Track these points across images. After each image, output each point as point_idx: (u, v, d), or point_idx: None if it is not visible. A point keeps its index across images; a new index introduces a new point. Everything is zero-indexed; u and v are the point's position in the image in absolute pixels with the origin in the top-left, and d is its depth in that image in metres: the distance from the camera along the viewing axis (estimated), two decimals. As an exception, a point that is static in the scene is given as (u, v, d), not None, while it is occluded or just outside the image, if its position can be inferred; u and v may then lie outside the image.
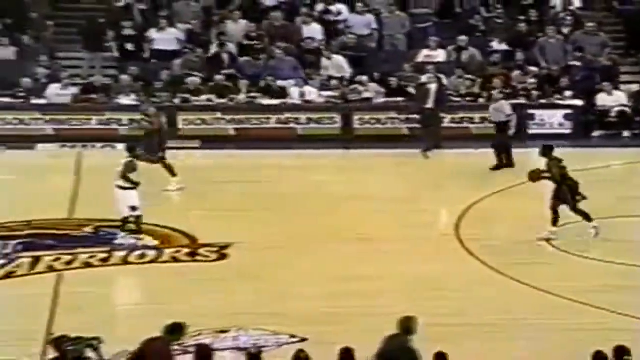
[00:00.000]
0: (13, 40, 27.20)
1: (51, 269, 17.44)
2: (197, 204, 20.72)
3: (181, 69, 27.10)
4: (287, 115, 26.28)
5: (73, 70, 27.47)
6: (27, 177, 21.94)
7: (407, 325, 11.97)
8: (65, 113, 25.87)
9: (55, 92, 26.25)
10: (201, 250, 18.27)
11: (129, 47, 27.56)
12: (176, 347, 13.79)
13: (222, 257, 18.07)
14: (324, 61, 27.21)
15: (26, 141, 25.10)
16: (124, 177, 18.39)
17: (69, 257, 17.82)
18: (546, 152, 18.75)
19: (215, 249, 18.27)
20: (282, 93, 26.71)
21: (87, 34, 27.85)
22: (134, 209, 18.38)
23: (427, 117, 24.99)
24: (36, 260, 17.69)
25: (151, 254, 18.16)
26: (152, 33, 27.61)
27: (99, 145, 25.08)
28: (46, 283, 16.83)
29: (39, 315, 15.28)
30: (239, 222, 19.51)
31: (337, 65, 27.17)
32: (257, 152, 24.71)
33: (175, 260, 18.01)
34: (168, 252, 18.24)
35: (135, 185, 18.42)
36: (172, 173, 21.54)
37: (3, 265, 17.51)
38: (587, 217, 18.45)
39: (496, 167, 23.24)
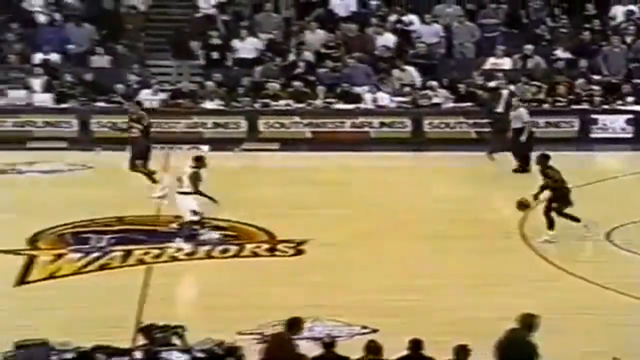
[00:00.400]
0: (108, 49, 27.60)
1: (141, 261, 17.66)
2: (276, 202, 20.86)
3: (261, 75, 27.32)
4: (361, 119, 26.40)
5: (162, 77, 27.82)
6: (120, 175, 22.21)
7: (530, 322, 11.84)
8: (155, 116, 26.12)
9: (146, 97, 26.58)
10: (279, 246, 18.41)
11: (214, 55, 27.84)
12: (256, 337, 14.06)
13: (299, 252, 18.19)
14: (396, 72, 27.27)
15: (119, 143, 25.41)
16: (193, 184, 18.20)
17: (157, 251, 18.03)
18: (542, 160, 18.72)
19: (293, 245, 18.40)
20: (356, 98, 26.83)
21: (175, 43, 28.18)
22: (194, 213, 18.37)
23: (496, 121, 24.98)
24: (127, 253, 17.92)
25: (233, 249, 18.33)
26: (235, 42, 27.87)
27: (185, 146, 25.36)
28: (136, 275, 17.05)
29: (130, 304, 15.50)
30: (315, 220, 19.61)
31: (408, 76, 27.25)
32: (332, 153, 24.85)
33: (255, 255, 18.17)
34: (249, 247, 18.41)
35: (199, 192, 18.19)
36: (154, 180, 21.08)
37: (98, 258, 17.76)
38: (574, 219, 18.36)
39: (516, 170, 23.25)
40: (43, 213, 19.65)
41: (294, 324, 12.17)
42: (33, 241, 18.34)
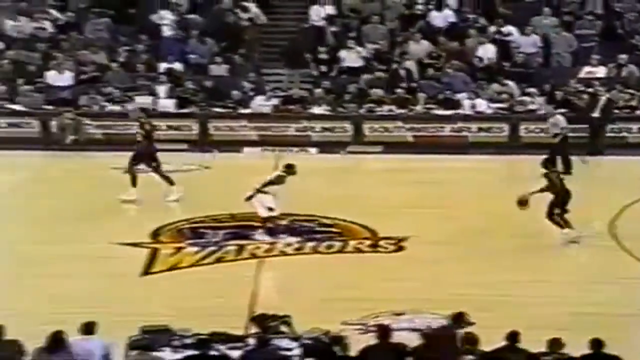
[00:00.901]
0: (226, 59, 27.93)
1: (253, 255, 17.86)
2: (378, 201, 20.89)
3: (367, 83, 27.38)
4: (460, 124, 26.28)
5: (275, 84, 28.04)
6: (234, 175, 22.45)
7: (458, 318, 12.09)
8: (267, 121, 26.45)
9: (259, 103, 26.86)
10: (381, 243, 18.44)
11: (323, 64, 27.98)
12: (359, 327, 14.12)
13: (400, 249, 18.20)
14: (496, 86, 27.08)
15: (234, 145, 25.76)
16: (270, 184, 18.32)
17: (267, 246, 18.23)
18: (547, 164, 18.66)
19: (394, 242, 18.40)
20: (455, 104, 26.72)
21: (287, 53, 28.40)
22: (270, 209, 18.42)
23: (593, 126, 24.68)
24: (240, 248, 18.12)
25: (337, 245, 18.42)
26: (342, 52, 27.98)
27: (294, 149, 25.54)
28: (249, 268, 17.25)
29: (243, 295, 15.69)
30: (415, 218, 19.59)
31: (508, 89, 27.04)
32: (433, 156, 24.79)
33: (358, 250, 18.22)
34: (352, 243, 18.46)
35: (261, 191, 18.30)
36: (135, 184, 20.65)
37: (214, 252, 18.01)
38: (562, 226, 18.09)
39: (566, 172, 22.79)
40: (164, 209, 19.96)
41: (458, 318, 12.26)
42: (155, 235, 18.64)
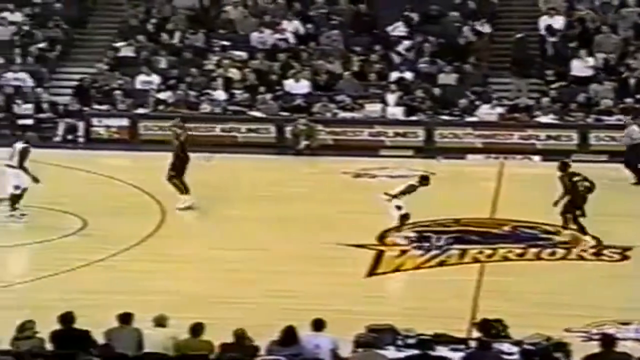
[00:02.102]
0: (456, 68, 27.84)
1: (475, 260, 17.74)
2: (604, 209, 20.21)
3: (596, 93, 26.69)
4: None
5: (501, 93, 27.74)
6: (457, 182, 22.35)
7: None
8: (493, 129, 26.18)
9: (485, 112, 26.63)
10: (605, 251, 17.95)
11: (550, 73, 27.48)
12: (582, 335, 13.76)
13: (624, 258, 17.66)
14: None
15: (458, 152, 25.63)
16: (403, 193, 18.46)
17: (490, 251, 18.05)
18: (563, 167, 18.46)
19: (619, 251, 17.88)
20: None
21: (516, 63, 28.03)
22: (398, 208, 18.36)
23: None
24: (463, 252, 18.04)
25: (560, 252, 18.05)
26: (573, 62, 27.38)
27: (518, 157, 25.17)
28: (471, 272, 17.14)
29: (465, 298, 15.59)
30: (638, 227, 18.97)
31: None
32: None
33: (581, 258, 17.81)
34: (575, 251, 18.05)
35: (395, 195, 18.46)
36: (187, 191, 20.35)
37: (437, 255, 18.00)
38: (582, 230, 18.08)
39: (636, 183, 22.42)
40: (387, 212, 20.02)
41: None
42: (381, 238, 18.77)
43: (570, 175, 18.49)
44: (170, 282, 16.47)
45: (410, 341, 12.69)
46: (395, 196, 18.55)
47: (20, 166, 19.40)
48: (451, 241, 18.54)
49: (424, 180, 18.81)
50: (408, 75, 27.82)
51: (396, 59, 28.35)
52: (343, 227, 19.00)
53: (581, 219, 18.23)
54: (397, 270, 17.41)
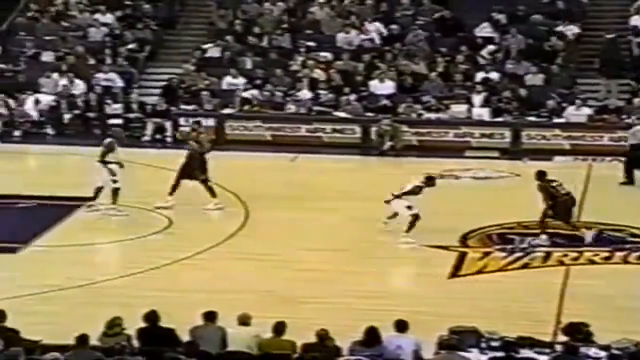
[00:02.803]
0: (543, 69, 27.56)
1: (560, 263, 17.53)
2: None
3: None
4: None
5: (589, 94, 27.36)
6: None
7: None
8: (581, 130, 25.85)
9: (572, 113, 26.30)
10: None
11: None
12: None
13: None
14: None
15: (545, 153, 25.34)
16: (408, 194, 18.41)
17: (575, 254, 17.82)
18: (539, 176, 18.56)
19: None
20: None
21: (605, 63, 27.63)
22: (409, 207, 18.30)
23: None
24: (547, 255, 17.85)
25: (648, 255, 17.78)
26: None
27: (607, 158, 24.80)
28: (556, 275, 16.94)
29: (549, 301, 15.42)
30: None
31: None
32: None
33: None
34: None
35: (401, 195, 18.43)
36: (214, 194, 20.22)
37: (521, 257, 17.83)
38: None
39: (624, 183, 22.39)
40: (474, 214, 19.92)
41: None
42: (464, 239, 18.67)
43: (548, 182, 18.59)
44: (254, 281, 16.58)
45: (494, 343, 12.60)
46: (399, 196, 18.45)
47: (102, 160, 19.73)
48: (535, 243, 18.34)
49: (429, 180, 18.76)
50: (494, 75, 27.61)
51: (482, 59, 28.16)
52: (426, 228, 18.92)
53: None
54: (480, 272, 17.29)
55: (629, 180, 22.65)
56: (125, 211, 19.83)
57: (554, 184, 18.65)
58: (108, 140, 20.27)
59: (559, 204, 18.48)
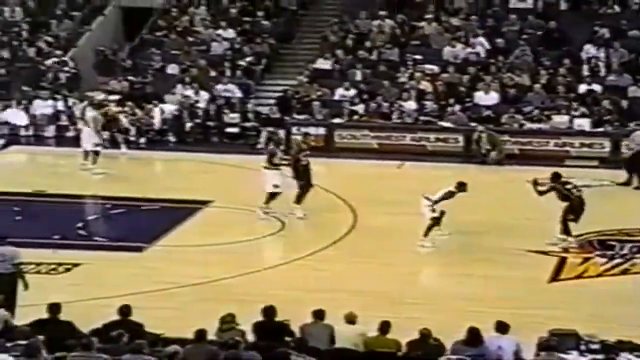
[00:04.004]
0: (642, 82, 27.13)
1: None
2: None
3: None
4: None
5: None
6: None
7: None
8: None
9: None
10: None
11: None
12: None
13: None
14: None
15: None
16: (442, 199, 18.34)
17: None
18: (554, 178, 18.51)
19: None
20: None
21: None
22: (433, 211, 18.25)
23: None
24: (647, 261, 17.50)
25: None
26: None
27: None
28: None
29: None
30: None
31: None
32: None
33: None
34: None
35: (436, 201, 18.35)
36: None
37: (621, 263, 17.47)
38: (566, 232, 18.10)
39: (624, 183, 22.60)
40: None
41: None
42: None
43: (563, 184, 18.44)
44: (361, 282, 16.57)
45: (594, 346, 12.34)
46: (436, 202, 18.29)
47: (274, 166, 19.88)
48: (635, 250, 17.95)
49: (461, 186, 18.54)
50: (596, 87, 27.15)
51: (585, 72, 27.70)
52: (528, 234, 18.66)
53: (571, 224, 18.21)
54: (579, 276, 17.00)
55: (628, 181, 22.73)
56: (240, 215, 19.99)
57: (568, 186, 18.51)
58: (271, 146, 20.47)
59: (575, 204, 18.24)
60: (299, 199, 20.08)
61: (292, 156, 20.63)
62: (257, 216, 19.72)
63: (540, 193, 18.71)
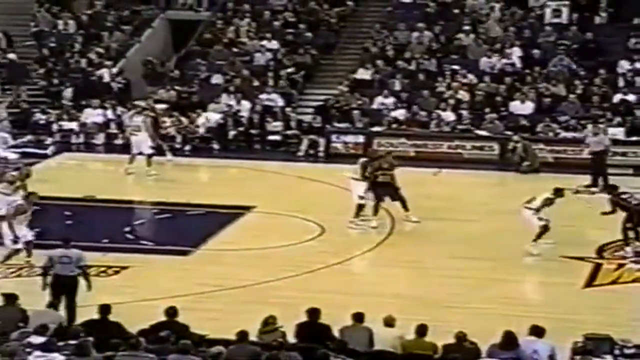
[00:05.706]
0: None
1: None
2: None
3: None
4: None
5: None
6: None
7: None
8: None
9: None
10: None
11: None
12: None
13: None
14: None
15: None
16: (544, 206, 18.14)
17: None
18: (610, 190, 18.53)
19: None
20: None
21: None
22: (540, 219, 17.99)
23: None
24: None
25: None
26: None
27: None
28: None
29: None
30: None
31: None
32: None
33: None
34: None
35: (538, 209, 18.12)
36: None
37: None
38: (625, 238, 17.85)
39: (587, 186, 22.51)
40: (609, 228, 19.22)
41: None
42: (600, 251, 18.20)
43: (619, 194, 18.24)
44: (399, 286, 16.53)
45: (628, 351, 12.19)
46: (538, 210, 18.08)
47: (363, 177, 19.82)
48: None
49: (558, 192, 18.38)
50: (631, 97, 26.91)
51: (620, 82, 27.46)
52: (564, 240, 18.49)
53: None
54: (614, 282, 16.82)
55: (593, 184, 22.71)
56: (281, 220, 19.99)
57: (625, 196, 18.30)
58: (362, 159, 20.39)
59: (634, 213, 17.98)
60: (375, 210, 19.84)
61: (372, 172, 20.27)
62: (350, 228, 19.52)
63: (609, 213, 18.39)
